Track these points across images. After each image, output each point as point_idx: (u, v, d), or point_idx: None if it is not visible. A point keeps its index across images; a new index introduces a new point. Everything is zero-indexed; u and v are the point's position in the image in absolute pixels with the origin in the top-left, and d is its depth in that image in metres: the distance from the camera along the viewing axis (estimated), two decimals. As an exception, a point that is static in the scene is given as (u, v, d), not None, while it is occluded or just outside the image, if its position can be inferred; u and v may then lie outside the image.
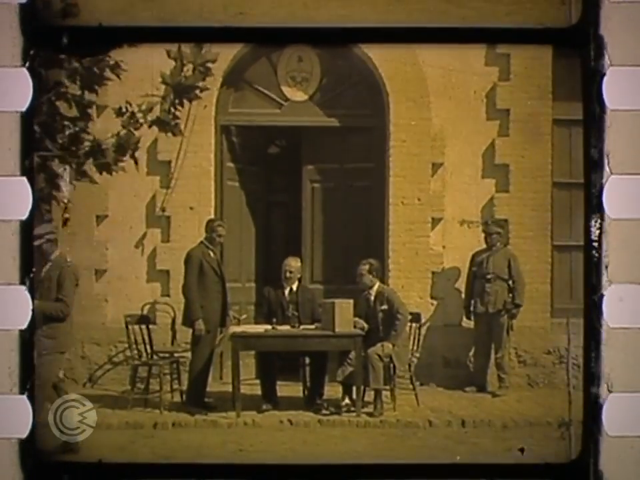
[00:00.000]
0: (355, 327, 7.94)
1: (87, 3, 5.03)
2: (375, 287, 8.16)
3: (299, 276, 8.40)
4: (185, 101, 6.65)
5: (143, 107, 6.56)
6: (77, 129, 6.48)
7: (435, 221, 9.02)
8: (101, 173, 6.59)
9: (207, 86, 6.74)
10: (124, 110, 6.59)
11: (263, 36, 5.27)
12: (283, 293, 8.32)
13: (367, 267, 8.14)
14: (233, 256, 9.22)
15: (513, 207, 8.97)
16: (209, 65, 6.53)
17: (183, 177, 8.89)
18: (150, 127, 6.65)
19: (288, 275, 8.28)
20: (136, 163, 6.70)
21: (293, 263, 8.37)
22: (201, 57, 6.44)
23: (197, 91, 6.62)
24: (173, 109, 6.63)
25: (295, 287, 8.35)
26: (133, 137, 6.58)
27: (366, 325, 8.01)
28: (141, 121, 6.58)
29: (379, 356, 7.86)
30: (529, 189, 8.94)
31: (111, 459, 5.96)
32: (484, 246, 8.81)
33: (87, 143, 6.48)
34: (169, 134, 6.89)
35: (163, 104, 6.62)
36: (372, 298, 8.14)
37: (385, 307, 8.07)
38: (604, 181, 4.69)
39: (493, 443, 7.16)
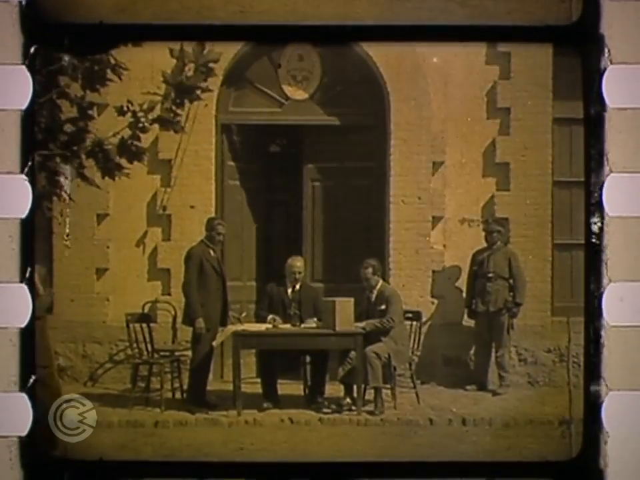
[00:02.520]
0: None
1: (88, 1, 5.03)
2: (378, 286, 8.18)
3: (302, 275, 8.42)
4: (186, 101, 6.65)
5: (145, 106, 6.56)
6: (78, 128, 6.48)
7: (436, 220, 9.02)
8: (103, 177, 6.61)
9: (208, 87, 6.74)
10: (125, 109, 6.60)
11: (264, 34, 5.27)
12: (286, 291, 8.32)
13: (370, 269, 8.16)
14: (234, 254, 9.22)
15: (513, 206, 8.97)
16: (211, 65, 6.53)
17: (184, 176, 8.89)
18: (151, 124, 6.65)
19: (297, 276, 8.29)
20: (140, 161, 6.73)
21: (298, 263, 8.39)
22: (203, 57, 6.44)
23: (199, 92, 6.61)
24: (174, 107, 6.63)
25: (298, 286, 8.36)
26: (140, 146, 6.59)
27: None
28: (143, 120, 6.58)
29: (377, 354, 7.86)
30: (530, 187, 8.94)
31: (112, 457, 5.97)
32: (484, 245, 8.81)
33: (88, 143, 6.48)
34: (171, 131, 6.90)
35: (164, 103, 6.62)
36: (373, 297, 8.16)
37: (383, 306, 8.08)
38: (604, 179, 4.69)
39: (493, 441, 7.16)
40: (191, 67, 6.51)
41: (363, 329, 7.91)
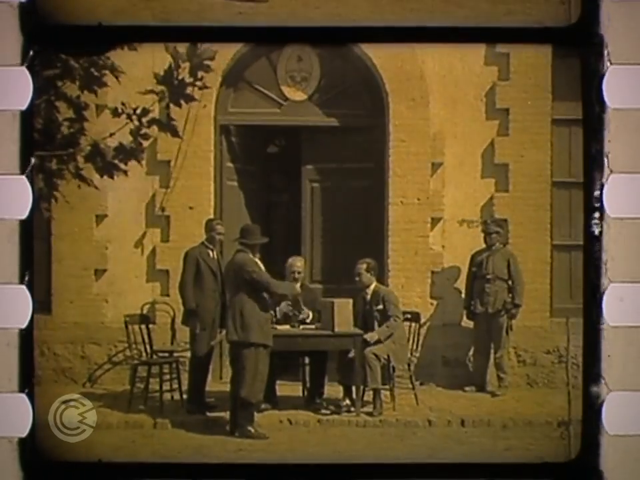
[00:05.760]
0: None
1: (87, 3, 5.03)
2: (372, 286, 8.17)
3: (302, 276, 8.41)
4: (183, 102, 6.62)
5: (139, 110, 6.54)
6: (75, 129, 6.47)
7: (435, 221, 9.01)
8: (101, 176, 6.59)
9: (205, 85, 6.71)
10: (120, 111, 6.58)
11: (263, 35, 5.27)
12: (286, 292, 8.32)
13: (364, 265, 8.15)
14: (233, 256, 9.21)
15: (512, 207, 8.96)
16: (207, 62, 6.48)
17: (183, 177, 8.88)
18: (149, 127, 6.64)
19: (297, 275, 8.26)
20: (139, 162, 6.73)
21: (299, 263, 8.36)
22: (197, 56, 6.40)
23: (195, 90, 6.58)
24: (170, 107, 6.61)
25: (298, 287, 8.34)
26: (140, 147, 6.58)
27: None
28: (136, 122, 6.57)
29: (376, 355, 7.85)
30: (529, 188, 8.94)
31: (111, 458, 5.96)
32: (483, 246, 8.80)
33: (85, 144, 6.48)
34: (167, 134, 6.89)
35: (160, 104, 6.60)
36: (368, 297, 8.15)
37: (380, 306, 8.08)
38: (603, 179, 4.70)
39: (492, 442, 7.16)
40: (185, 67, 6.48)
41: (378, 340, 7.89)
